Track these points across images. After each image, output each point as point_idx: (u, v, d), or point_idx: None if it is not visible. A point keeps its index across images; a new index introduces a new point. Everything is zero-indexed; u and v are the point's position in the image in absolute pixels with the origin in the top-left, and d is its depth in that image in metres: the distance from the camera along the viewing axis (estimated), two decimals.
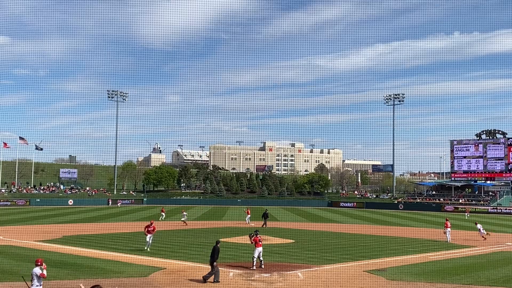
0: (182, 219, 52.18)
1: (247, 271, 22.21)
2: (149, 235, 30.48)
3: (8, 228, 39.62)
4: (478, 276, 22.71)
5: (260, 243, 23.93)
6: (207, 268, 23.95)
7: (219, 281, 20.42)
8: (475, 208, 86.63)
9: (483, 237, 39.93)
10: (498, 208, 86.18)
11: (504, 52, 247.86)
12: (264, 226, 48.92)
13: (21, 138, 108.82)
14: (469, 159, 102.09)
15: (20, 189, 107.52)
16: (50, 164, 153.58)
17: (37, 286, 15.66)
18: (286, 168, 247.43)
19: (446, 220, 39.42)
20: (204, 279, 20.48)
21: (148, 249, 29.91)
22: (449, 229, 38.05)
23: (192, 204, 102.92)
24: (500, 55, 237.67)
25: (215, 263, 20.91)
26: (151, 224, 31.20)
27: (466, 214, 69.60)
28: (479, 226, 40.78)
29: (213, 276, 20.66)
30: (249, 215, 54.69)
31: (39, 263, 15.96)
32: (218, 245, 21.80)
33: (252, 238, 24.61)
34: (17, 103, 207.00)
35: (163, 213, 60.09)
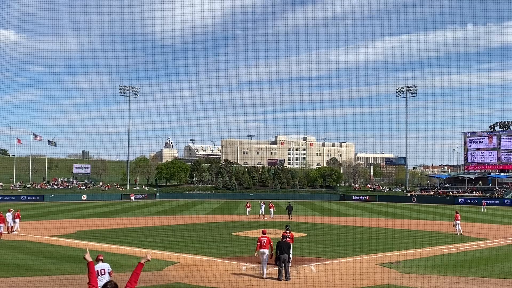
0: None
1: (260, 265, 22.19)
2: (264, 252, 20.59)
3: (23, 223, 40.04)
4: (492, 269, 22.52)
5: (288, 239, 21.50)
6: (220, 262, 24.04)
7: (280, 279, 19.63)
8: (490, 197, 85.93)
9: None
10: None
11: None
12: (290, 219, 49.04)
13: (34, 134, 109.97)
14: (482, 151, 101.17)
15: (34, 185, 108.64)
16: (63, 160, 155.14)
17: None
18: (298, 162, 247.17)
19: (456, 212, 39.15)
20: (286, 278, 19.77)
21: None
22: (458, 221, 37.74)
23: (205, 198, 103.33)
24: None
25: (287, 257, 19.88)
26: (264, 234, 21.47)
27: (482, 207, 68.71)
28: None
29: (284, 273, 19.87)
30: (272, 209, 53.70)
31: (101, 258, 14.38)
32: (284, 240, 20.40)
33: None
34: (31, 99, 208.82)
35: (272, 209, 54.33)
